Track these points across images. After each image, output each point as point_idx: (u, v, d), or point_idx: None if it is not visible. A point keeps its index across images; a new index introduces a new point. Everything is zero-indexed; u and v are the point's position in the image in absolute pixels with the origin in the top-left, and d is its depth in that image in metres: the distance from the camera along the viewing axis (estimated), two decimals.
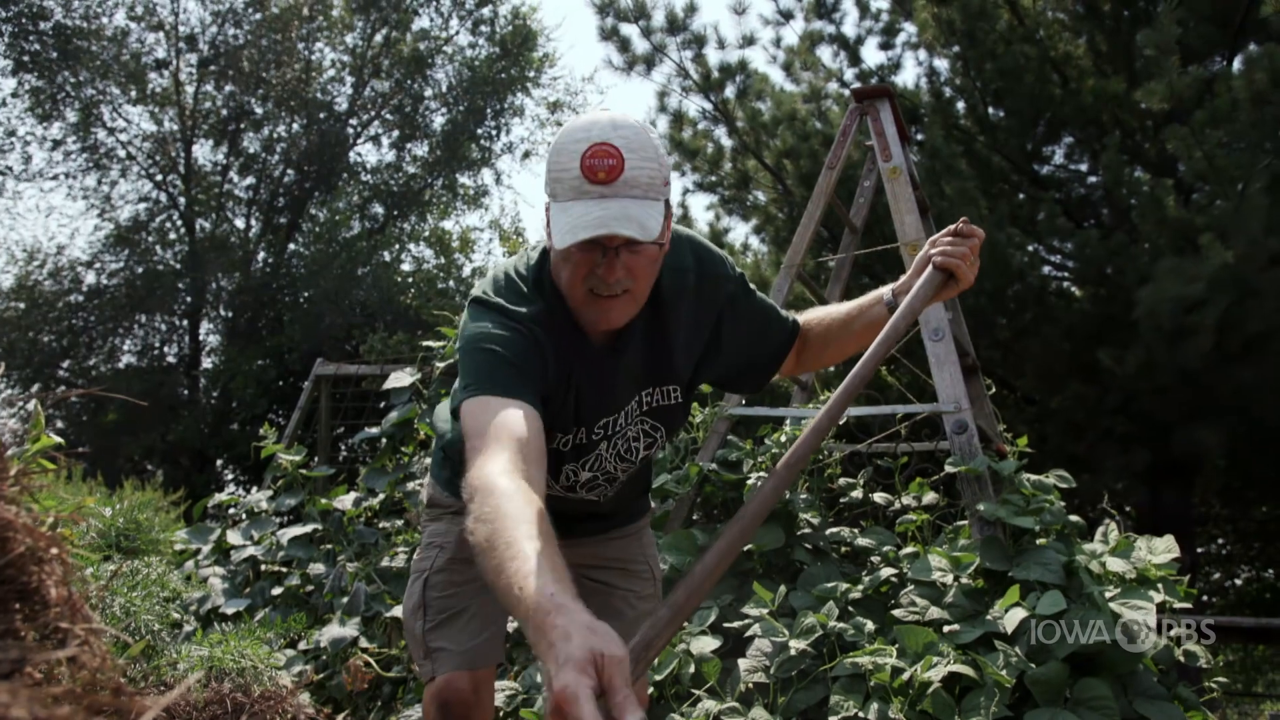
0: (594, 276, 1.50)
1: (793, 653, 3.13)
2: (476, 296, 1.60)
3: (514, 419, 1.40)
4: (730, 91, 9.52)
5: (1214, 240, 6.06)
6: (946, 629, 3.13)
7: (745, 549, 3.75)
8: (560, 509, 1.82)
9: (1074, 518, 3.57)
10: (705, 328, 1.70)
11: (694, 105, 9.74)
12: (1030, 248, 8.19)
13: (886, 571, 3.53)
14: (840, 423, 4.40)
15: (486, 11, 15.62)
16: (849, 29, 10.20)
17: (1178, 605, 3.22)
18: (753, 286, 1.79)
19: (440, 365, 5.21)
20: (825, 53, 9.39)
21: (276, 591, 4.49)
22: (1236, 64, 7.25)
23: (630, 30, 9.50)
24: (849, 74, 9.34)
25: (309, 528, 4.82)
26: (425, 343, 5.51)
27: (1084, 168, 8.77)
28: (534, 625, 1.04)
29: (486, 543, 1.20)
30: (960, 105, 8.95)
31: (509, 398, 1.44)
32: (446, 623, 1.86)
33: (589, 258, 1.48)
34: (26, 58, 13.83)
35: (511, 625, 3.64)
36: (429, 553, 1.94)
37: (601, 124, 1.47)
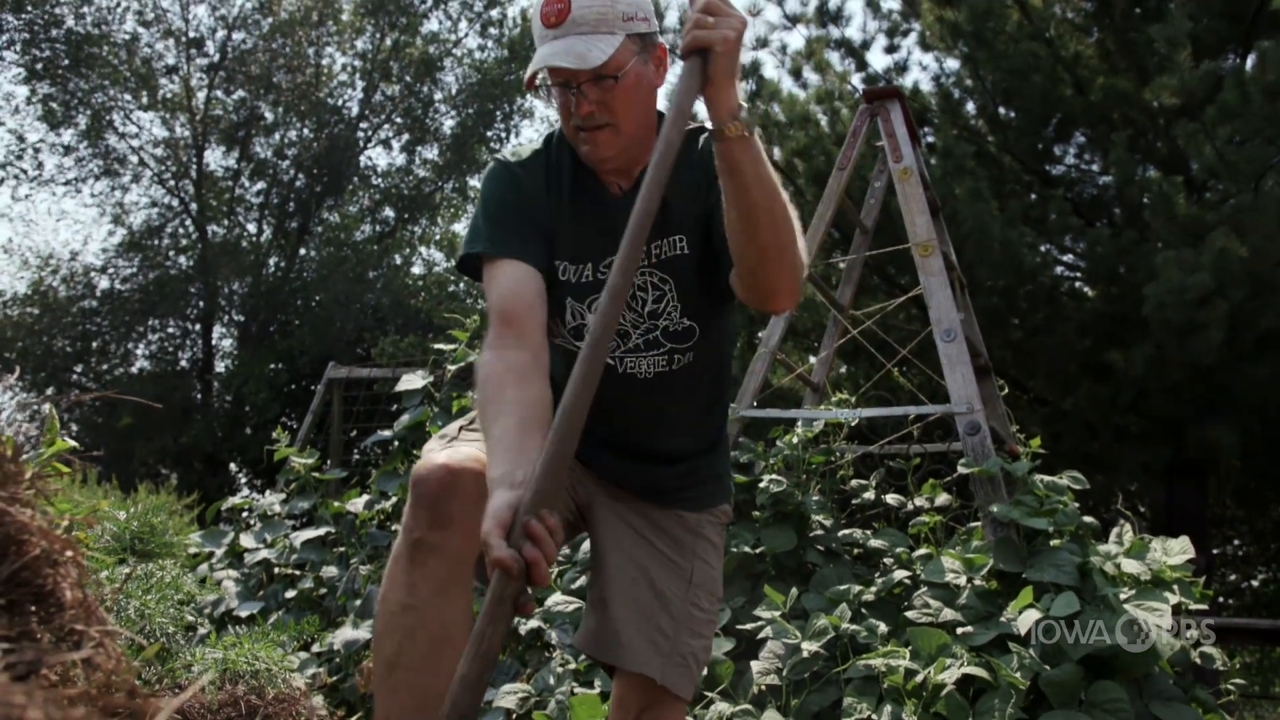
0: (575, 114, 1.65)
1: (805, 655, 3.12)
2: (492, 157, 1.85)
3: (507, 282, 1.66)
4: (740, 94, 9.50)
5: (1224, 232, 6.01)
6: (960, 631, 3.12)
7: (758, 550, 3.75)
8: (608, 444, 1.80)
9: (1088, 519, 3.55)
10: (706, 188, 1.73)
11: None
12: (1042, 247, 8.16)
13: (899, 573, 3.52)
14: (854, 423, 4.40)
15: (495, 14, 15.66)
16: (857, 31, 10.21)
17: (1193, 607, 3.20)
18: None
19: (452, 368, 5.22)
20: (833, 55, 9.38)
21: (290, 594, 4.50)
22: (1250, 60, 7.21)
23: None
24: (856, 78, 9.34)
25: (322, 531, 4.83)
26: (437, 345, 5.51)
27: (1095, 166, 8.73)
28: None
29: (480, 421, 1.55)
30: (970, 106, 8.93)
31: (504, 256, 1.68)
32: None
33: (564, 97, 1.65)
34: (39, 65, 13.92)
35: (523, 627, 3.64)
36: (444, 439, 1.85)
37: None
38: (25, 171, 14.79)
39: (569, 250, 1.76)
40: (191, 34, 14.76)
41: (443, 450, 1.61)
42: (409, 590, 1.51)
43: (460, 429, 1.79)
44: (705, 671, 3.14)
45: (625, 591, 1.80)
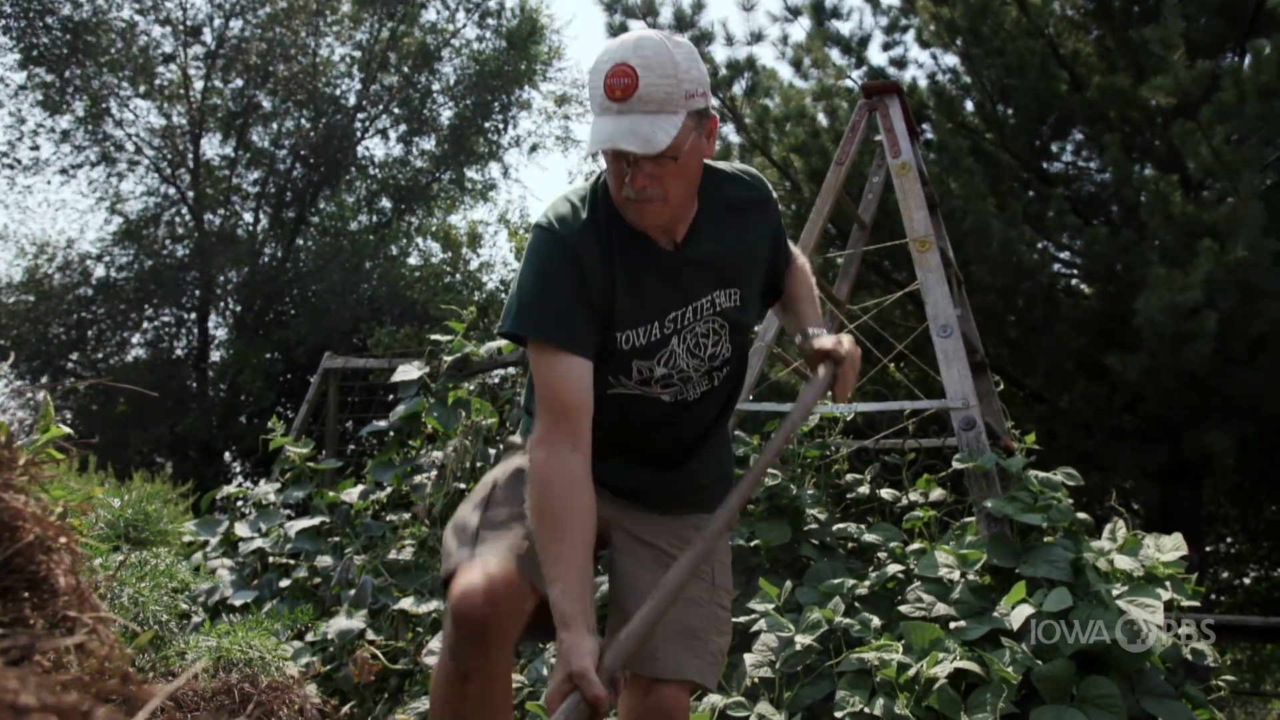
0: (629, 186, 1.66)
1: (799, 648, 3.13)
2: (536, 221, 1.78)
3: (565, 376, 1.68)
4: (738, 89, 9.49)
5: (1212, 245, 6.03)
6: (953, 625, 3.12)
7: (752, 544, 3.75)
8: (642, 442, 1.88)
9: (1082, 515, 3.56)
10: (763, 243, 1.90)
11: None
12: (1040, 245, 8.16)
13: (893, 568, 3.53)
14: (850, 417, 4.40)
15: (493, 4, 15.61)
16: (856, 27, 10.18)
17: (1185, 603, 3.21)
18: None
19: (448, 359, 5.22)
20: (833, 50, 9.36)
21: (284, 583, 4.50)
22: (1247, 59, 7.21)
23: (637, 26, 9.48)
24: (855, 74, 9.32)
25: (316, 520, 4.83)
26: (433, 336, 5.51)
27: (1093, 164, 8.73)
28: (557, 623, 1.52)
29: (536, 529, 1.63)
30: (968, 103, 8.92)
31: (562, 347, 1.69)
32: (506, 523, 1.78)
33: (618, 167, 1.67)
34: (36, 51, 13.86)
35: None
36: (502, 468, 1.93)
37: (627, 44, 1.64)
38: (19, 162, 14.74)
39: (632, 318, 1.78)
40: (188, 22, 14.70)
41: (472, 563, 1.67)
42: (458, 715, 1.66)
43: (479, 518, 1.81)
44: None
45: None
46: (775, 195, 1.95)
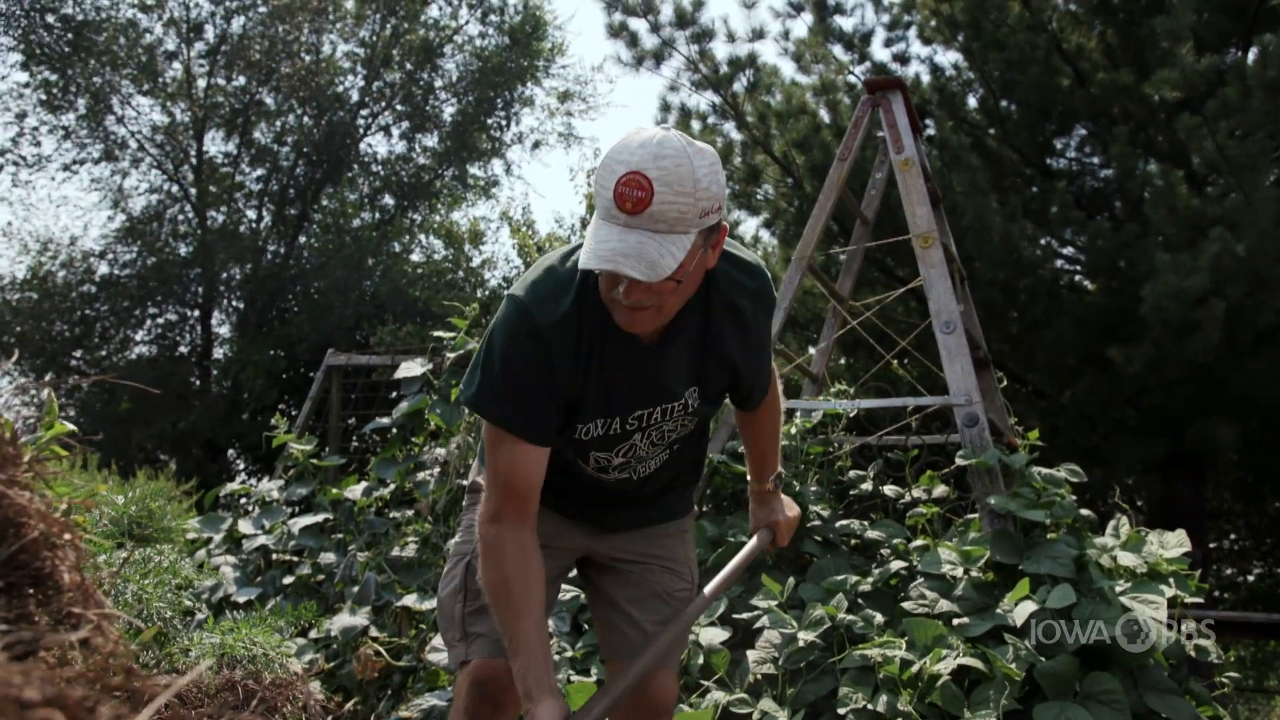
0: (619, 292, 1.56)
1: (801, 644, 3.13)
2: (513, 293, 1.67)
3: (519, 462, 1.67)
4: (739, 85, 9.48)
5: (1223, 233, 6.02)
6: (956, 622, 3.12)
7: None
8: (598, 495, 1.91)
9: (1085, 511, 3.56)
10: (744, 350, 1.80)
11: (704, 100, 9.72)
12: (1043, 241, 8.15)
13: (896, 564, 3.53)
14: (853, 414, 4.40)
15: (495, 1, 15.59)
16: (859, 23, 10.16)
17: (1189, 600, 3.21)
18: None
19: (451, 356, 5.22)
20: (835, 46, 9.35)
21: (288, 580, 4.51)
22: (1252, 54, 7.20)
23: (639, 25, 9.47)
24: (857, 70, 9.31)
25: (320, 517, 4.83)
26: (436, 333, 5.51)
27: (1097, 160, 8.72)
28: (521, 695, 1.61)
29: (494, 605, 1.69)
30: (971, 99, 8.91)
31: (520, 436, 1.66)
32: (487, 609, 1.84)
33: (612, 276, 1.55)
34: (38, 49, 13.87)
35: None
36: (470, 536, 1.93)
37: (648, 149, 1.48)
38: (24, 158, 14.75)
39: (596, 410, 1.73)
40: (191, 19, 14.70)
41: (479, 650, 1.85)
42: None
43: (461, 612, 1.91)
44: (700, 658, 3.16)
45: (644, 605, 1.97)
46: (772, 302, 1.83)
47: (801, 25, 9.56)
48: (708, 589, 2.00)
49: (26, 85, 14.37)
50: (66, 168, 14.90)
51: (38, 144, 14.78)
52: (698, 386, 1.79)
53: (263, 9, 14.52)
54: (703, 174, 1.49)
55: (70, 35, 13.78)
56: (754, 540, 2.19)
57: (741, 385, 1.88)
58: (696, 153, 1.50)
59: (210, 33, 14.72)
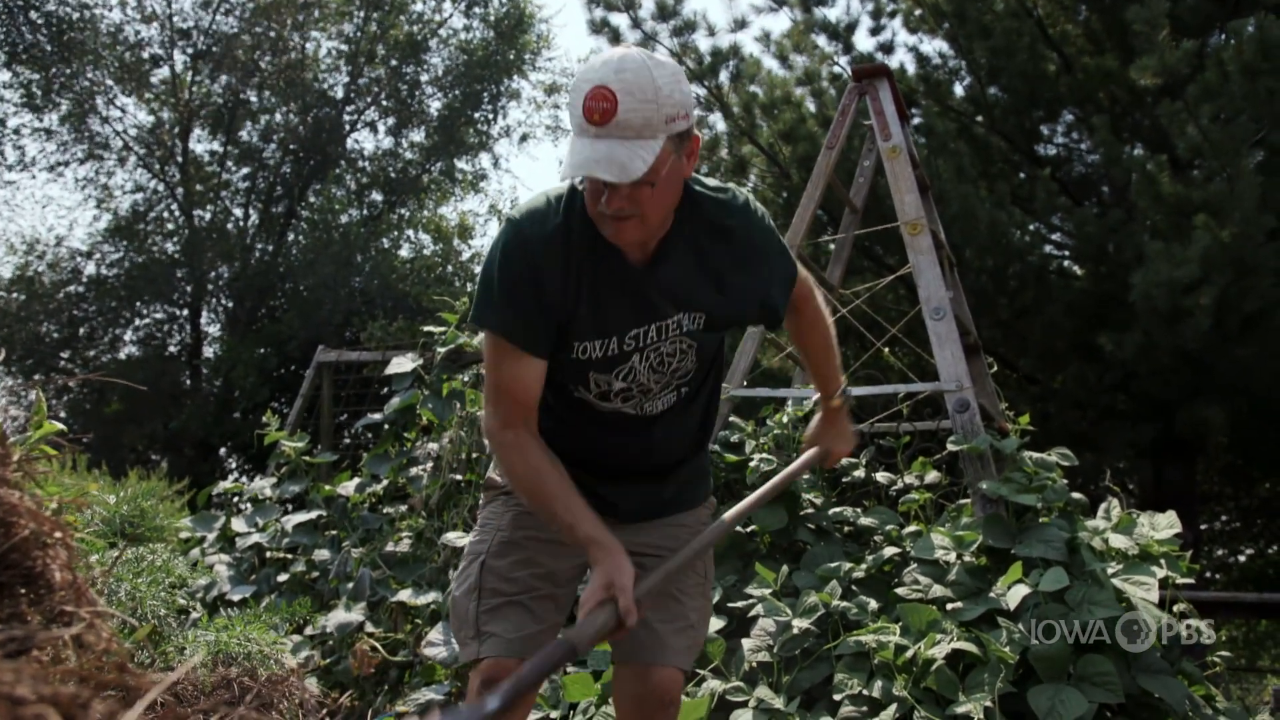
0: (602, 203, 1.65)
1: (796, 632, 3.14)
2: (509, 214, 1.80)
3: (522, 375, 1.75)
4: (724, 77, 9.48)
5: (1209, 220, 6.04)
6: (950, 607, 3.14)
7: (749, 529, 3.76)
8: (612, 464, 1.92)
9: (1076, 495, 3.57)
10: (742, 269, 1.83)
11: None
12: (1031, 227, 8.17)
13: (889, 550, 3.54)
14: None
15: None
16: (843, 13, 10.13)
17: (1180, 581, 3.23)
18: (793, 256, 1.98)
19: (441, 350, 5.21)
20: (820, 37, 9.34)
21: (282, 578, 4.50)
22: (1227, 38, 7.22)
23: (620, 20, 9.46)
24: (842, 60, 9.31)
25: (313, 514, 4.82)
26: (426, 328, 5.51)
27: (1084, 145, 8.74)
28: (590, 553, 1.68)
29: (534, 496, 1.77)
30: (957, 87, 8.92)
31: (520, 347, 1.74)
32: (501, 609, 1.88)
33: (595, 185, 1.65)
34: (21, 49, 13.76)
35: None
36: (485, 535, 1.96)
37: (609, 64, 1.60)
38: (4, 155, 14.66)
39: (591, 330, 1.78)
40: (175, 19, 14.61)
41: (492, 649, 1.84)
42: None
43: (474, 610, 1.91)
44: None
45: (656, 609, 1.94)
46: (762, 216, 1.86)
47: (784, 18, 9.54)
48: (754, 495, 2.03)
49: (8, 86, 14.27)
50: (51, 168, 14.81)
51: (20, 147, 14.69)
52: (694, 310, 1.81)
53: (248, 6, 14.44)
54: (663, 82, 1.60)
55: (53, 35, 13.67)
56: (806, 454, 2.22)
57: (751, 300, 1.87)
58: (656, 64, 1.61)
59: (195, 31, 14.63)
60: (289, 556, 4.69)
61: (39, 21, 13.72)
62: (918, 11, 8.74)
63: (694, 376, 1.90)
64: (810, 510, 3.89)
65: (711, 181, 1.84)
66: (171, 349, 15.03)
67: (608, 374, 1.82)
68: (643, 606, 1.65)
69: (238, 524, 4.93)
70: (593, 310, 1.76)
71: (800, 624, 3.13)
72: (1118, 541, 3.27)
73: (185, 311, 14.92)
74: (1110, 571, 3.10)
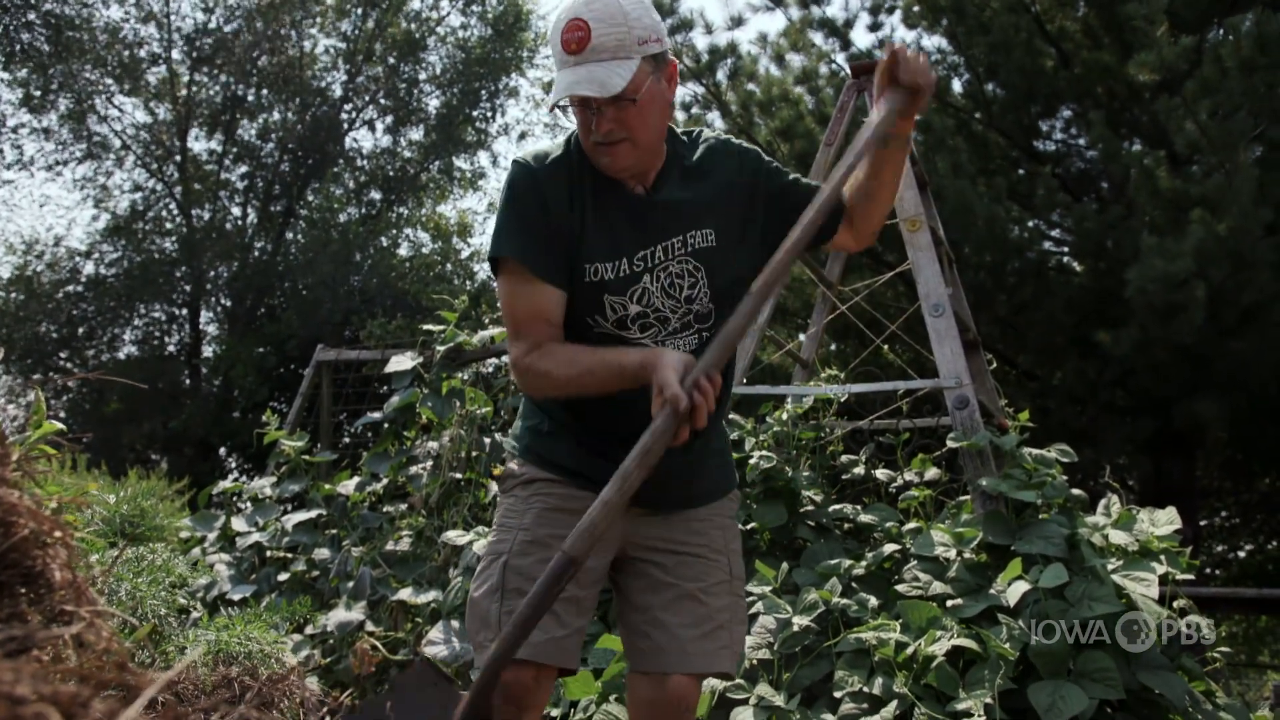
0: (595, 132, 1.77)
1: (796, 629, 3.14)
2: (515, 157, 1.91)
3: (545, 303, 1.82)
4: (722, 75, 9.46)
5: (1204, 214, 6.04)
6: (950, 603, 3.14)
7: (749, 526, 3.76)
8: (638, 435, 1.81)
9: (1076, 491, 3.57)
10: (739, 185, 1.93)
11: (686, 91, 9.70)
12: (1029, 223, 8.17)
13: (889, 547, 3.54)
14: (844, 399, 4.41)
15: None
16: (841, 9, 10.11)
17: (1180, 577, 3.23)
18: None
19: (441, 349, 5.21)
20: (818, 34, 9.33)
21: (282, 577, 4.50)
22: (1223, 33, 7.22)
23: None
24: (839, 57, 9.31)
25: (313, 513, 4.83)
26: (426, 326, 5.50)
27: (1082, 141, 8.74)
28: (642, 376, 1.69)
29: (581, 381, 1.79)
30: (956, 83, 8.91)
31: (539, 275, 1.81)
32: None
33: (584, 116, 1.78)
34: (19, 49, 13.75)
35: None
36: (506, 535, 1.92)
37: (580, 0, 1.75)
38: (2, 154, 14.65)
39: (600, 251, 1.85)
40: (174, 19, 14.60)
41: (521, 648, 1.74)
42: None
43: (497, 611, 1.85)
44: None
45: (676, 607, 1.92)
46: (751, 147, 1.99)
47: (781, 16, 9.52)
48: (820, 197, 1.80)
49: (7, 85, 14.27)
50: (49, 168, 14.81)
51: (19, 146, 14.69)
52: (701, 227, 1.88)
53: (246, 4, 14.42)
54: (630, 8, 1.75)
55: (51, 35, 13.66)
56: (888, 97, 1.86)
57: (750, 198, 1.92)
58: None
59: (193, 30, 14.62)
60: (289, 555, 4.70)
61: (36, 21, 13.71)
62: (915, 8, 8.74)
63: (713, 321, 1.92)
64: (810, 507, 3.89)
65: (695, 129, 2.01)
66: (170, 348, 15.03)
67: (622, 295, 1.86)
68: (713, 380, 1.65)
69: (238, 523, 4.93)
70: (600, 230, 1.85)
71: (800, 621, 3.13)
72: (1117, 537, 3.28)
73: (184, 311, 14.93)
74: (1110, 567, 3.10)
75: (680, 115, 9.67)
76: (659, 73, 1.80)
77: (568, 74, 1.74)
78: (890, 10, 9.29)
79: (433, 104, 15.66)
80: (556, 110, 1.83)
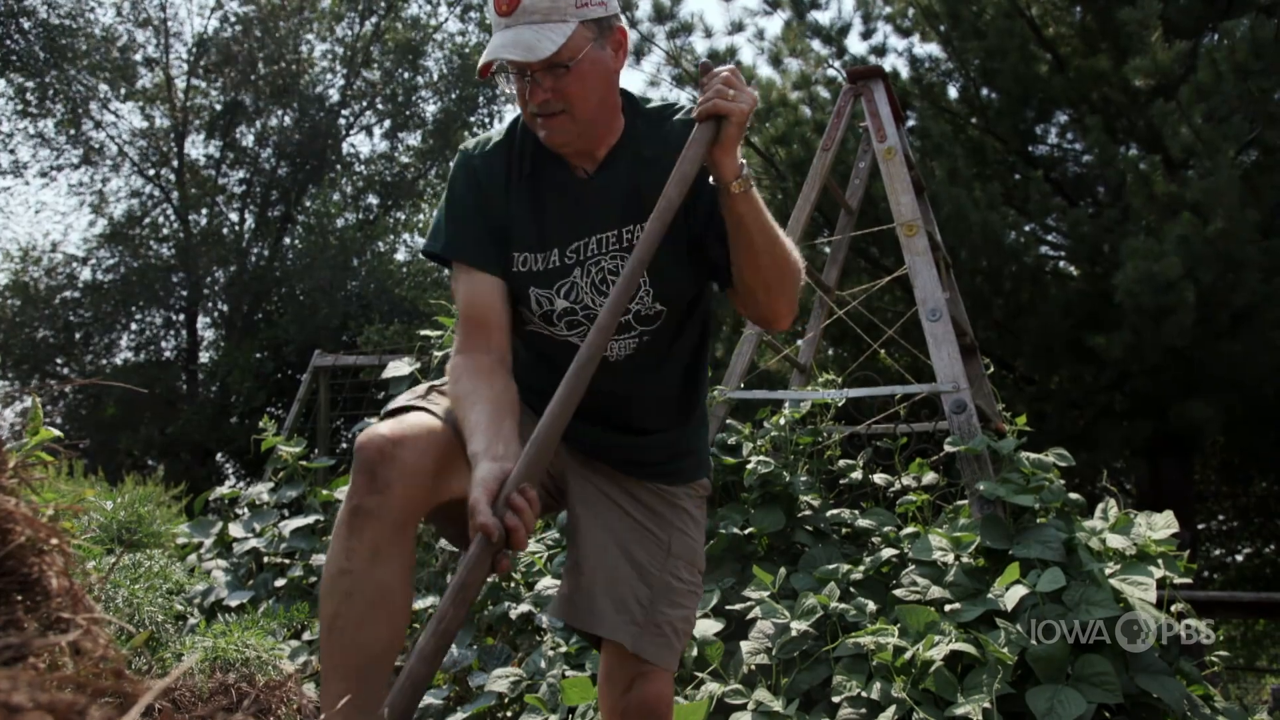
0: (530, 102, 1.65)
1: (794, 634, 3.14)
2: (460, 147, 1.84)
3: (474, 290, 1.71)
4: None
5: (1191, 217, 6.06)
6: (948, 608, 3.14)
7: (747, 531, 3.76)
8: (589, 419, 1.76)
9: (1074, 495, 3.57)
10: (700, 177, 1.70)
11: (685, 96, 9.72)
12: (1026, 227, 8.18)
13: (887, 552, 3.54)
14: (841, 403, 4.41)
15: None
16: (836, 16, 10.14)
17: (1178, 581, 3.23)
18: None
19: (438, 354, 5.20)
20: (813, 41, 9.35)
21: (280, 583, 4.49)
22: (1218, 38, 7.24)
23: None
24: (836, 63, 9.32)
25: (310, 519, 4.81)
26: (422, 332, 5.50)
27: (1078, 146, 8.76)
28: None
29: (454, 408, 1.62)
30: (951, 89, 8.93)
31: (469, 263, 1.72)
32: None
33: (521, 85, 1.65)
34: (14, 57, 13.75)
35: (514, 611, 3.65)
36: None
37: None
38: None
39: (530, 240, 1.75)
40: (170, 25, 14.61)
41: (390, 421, 1.63)
42: (347, 555, 1.56)
43: (429, 389, 1.78)
44: (695, 650, 3.16)
45: (599, 558, 1.83)
46: None
47: (779, 20, 9.55)
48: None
49: (1, 93, 14.27)
50: (44, 174, 14.81)
51: (13, 151, 14.69)
52: (631, 221, 1.73)
53: (243, 10, 14.42)
54: None
55: (46, 42, 13.66)
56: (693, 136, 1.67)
57: (696, 197, 1.69)
58: None
59: (189, 35, 14.62)
60: (286, 561, 4.69)
61: (30, 29, 13.72)
62: (910, 13, 8.76)
63: (658, 327, 1.78)
64: (808, 512, 3.89)
65: (662, 99, 1.86)
66: (167, 354, 15.02)
67: (549, 289, 1.75)
68: (525, 494, 1.40)
69: (235, 529, 4.92)
70: (533, 217, 1.74)
71: (798, 626, 3.13)
72: (1115, 541, 3.28)
73: (181, 316, 14.92)
74: (1108, 572, 3.10)
75: None
76: (603, 39, 1.66)
77: (497, 37, 1.61)
78: (888, 19, 9.32)
79: (430, 109, 15.68)
80: (488, 77, 1.67)
